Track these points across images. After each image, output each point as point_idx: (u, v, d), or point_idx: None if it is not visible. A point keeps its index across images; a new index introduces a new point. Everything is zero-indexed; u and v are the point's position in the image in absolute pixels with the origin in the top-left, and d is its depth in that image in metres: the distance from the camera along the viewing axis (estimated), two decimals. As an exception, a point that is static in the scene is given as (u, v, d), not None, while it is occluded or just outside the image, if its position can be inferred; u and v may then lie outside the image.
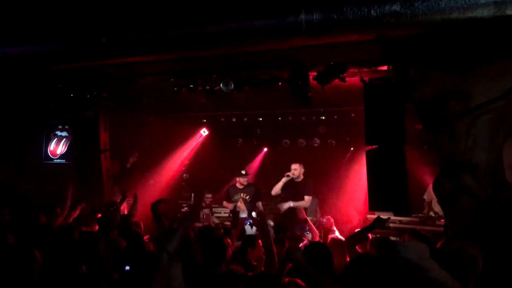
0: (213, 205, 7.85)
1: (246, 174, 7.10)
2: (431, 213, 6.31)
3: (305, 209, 6.28)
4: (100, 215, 4.83)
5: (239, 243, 4.49)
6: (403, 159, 3.98)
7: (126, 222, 4.93)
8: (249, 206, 6.89)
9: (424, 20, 3.16)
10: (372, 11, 3.22)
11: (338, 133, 7.99)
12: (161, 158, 8.37)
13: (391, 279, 2.45)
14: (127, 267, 3.13)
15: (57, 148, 7.35)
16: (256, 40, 3.70)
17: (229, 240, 4.35)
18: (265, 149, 8.89)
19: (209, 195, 7.85)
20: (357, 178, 7.44)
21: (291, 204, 6.21)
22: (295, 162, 6.67)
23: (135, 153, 7.71)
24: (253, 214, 6.07)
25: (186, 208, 8.09)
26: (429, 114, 3.87)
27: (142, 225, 5.11)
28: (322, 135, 8.04)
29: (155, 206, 4.98)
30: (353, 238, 3.81)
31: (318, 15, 3.32)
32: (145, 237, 4.50)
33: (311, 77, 5.06)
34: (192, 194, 8.53)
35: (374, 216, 5.06)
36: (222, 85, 5.41)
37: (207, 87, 5.58)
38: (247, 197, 6.99)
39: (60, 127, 7.41)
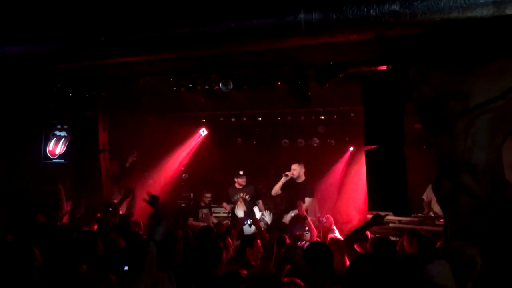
0: (212, 205, 7.85)
1: (244, 174, 7.10)
2: (431, 213, 6.31)
3: (305, 210, 6.27)
4: (99, 215, 4.83)
5: (238, 242, 4.49)
6: (403, 159, 3.97)
7: (125, 222, 4.93)
8: (249, 205, 6.89)
9: (423, 20, 3.16)
10: (371, 11, 3.22)
11: (337, 133, 7.99)
12: (160, 158, 8.37)
13: (392, 278, 2.45)
14: (126, 267, 3.13)
15: (56, 148, 7.34)
16: (255, 40, 3.70)
17: (229, 240, 4.34)
18: None
19: (208, 195, 7.85)
20: (356, 178, 7.44)
21: (292, 214, 6.21)
22: (295, 162, 6.67)
23: (134, 153, 7.70)
24: (255, 208, 6.05)
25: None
26: (429, 113, 3.87)
27: (142, 224, 5.10)
28: (322, 135, 8.04)
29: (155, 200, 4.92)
30: (351, 237, 3.81)
31: (317, 15, 3.32)
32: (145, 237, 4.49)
33: (310, 76, 5.06)
34: (191, 194, 8.53)
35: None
36: (221, 84, 5.40)
37: (206, 87, 5.58)
38: (247, 197, 6.99)
39: (59, 126, 7.39)
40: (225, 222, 6.84)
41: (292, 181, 6.59)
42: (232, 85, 5.39)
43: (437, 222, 5.73)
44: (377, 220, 3.94)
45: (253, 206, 6.77)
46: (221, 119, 8.34)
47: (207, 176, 8.62)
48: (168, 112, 8.01)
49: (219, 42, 3.78)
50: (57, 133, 7.37)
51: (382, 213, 4.04)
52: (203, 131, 8.85)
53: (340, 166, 8.25)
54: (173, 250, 2.98)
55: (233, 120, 8.18)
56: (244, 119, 8.17)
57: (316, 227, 5.82)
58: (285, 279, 2.93)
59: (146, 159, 8.05)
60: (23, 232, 3.79)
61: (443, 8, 3.08)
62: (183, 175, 9.07)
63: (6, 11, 4.28)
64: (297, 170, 6.54)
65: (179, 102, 6.94)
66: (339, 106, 7.31)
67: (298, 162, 6.65)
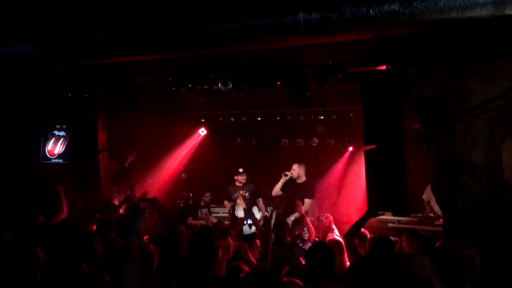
0: (211, 205, 7.84)
1: (244, 172, 7.11)
2: (430, 213, 6.32)
3: (305, 211, 6.28)
4: (98, 215, 4.82)
5: (237, 243, 4.48)
6: (402, 159, 3.97)
7: (125, 222, 4.91)
8: (249, 203, 6.91)
9: (422, 20, 3.16)
10: (370, 11, 3.22)
11: (336, 133, 7.99)
12: (160, 157, 8.36)
13: (392, 279, 2.44)
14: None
15: (55, 147, 7.33)
16: (255, 39, 3.69)
17: (230, 240, 4.33)
18: None
19: (207, 194, 7.85)
20: (356, 178, 7.45)
21: (292, 218, 6.21)
22: (294, 162, 6.66)
23: (133, 153, 7.69)
24: (254, 209, 6.04)
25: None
26: (428, 113, 3.86)
27: None
28: (321, 134, 8.04)
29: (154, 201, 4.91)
30: (350, 233, 3.80)
31: (316, 14, 3.31)
32: (145, 238, 4.48)
33: (309, 76, 5.05)
34: (191, 194, 8.52)
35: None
36: (221, 84, 5.40)
37: (206, 87, 5.57)
38: (246, 194, 7.01)
39: (58, 126, 7.38)
40: (225, 222, 6.84)
41: (292, 182, 6.58)
42: (231, 85, 5.39)
43: (436, 222, 5.74)
44: (372, 213, 3.93)
45: (253, 204, 6.79)
46: (220, 119, 8.33)
47: (206, 176, 8.62)
48: (167, 112, 8.01)
49: (218, 42, 3.78)
50: (56, 133, 7.36)
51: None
52: (202, 131, 8.85)
53: (339, 166, 8.26)
54: (176, 248, 3.00)
55: (232, 120, 8.17)
56: (244, 119, 8.17)
57: (316, 227, 5.82)
58: (285, 278, 2.93)
59: (145, 159, 8.04)
60: (23, 232, 3.79)
61: (443, 8, 3.08)
62: (182, 175, 9.07)
63: (5, 11, 4.27)
64: (296, 170, 6.53)
65: (178, 102, 6.94)
66: (339, 106, 7.31)
67: (299, 162, 6.64)
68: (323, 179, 8.06)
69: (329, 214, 5.70)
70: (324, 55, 4.68)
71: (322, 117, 7.74)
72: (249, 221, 5.34)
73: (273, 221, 3.93)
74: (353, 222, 4.02)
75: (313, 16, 3.32)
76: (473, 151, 3.47)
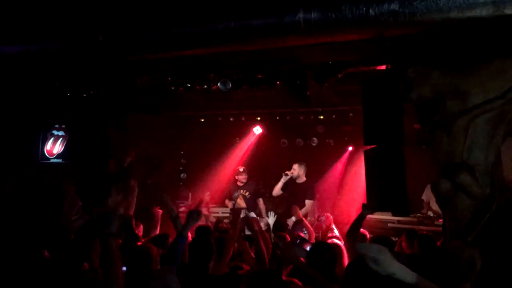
0: (210, 205, 7.83)
1: (244, 171, 7.11)
2: (430, 213, 6.31)
3: (306, 212, 6.29)
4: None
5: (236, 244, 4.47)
6: (402, 158, 3.96)
7: (125, 222, 4.89)
8: (249, 203, 6.92)
9: (422, 19, 3.16)
10: (370, 10, 3.21)
11: (336, 132, 7.98)
12: (159, 157, 8.34)
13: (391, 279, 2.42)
14: (124, 268, 3.12)
15: (54, 147, 7.32)
16: (254, 39, 3.69)
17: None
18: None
19: (207, 194, 7.85)
20: (355, 178, 7.44)
21: (293, 219, 6.21)
22: (294, 162, 6.66)
23: (132, 153, 7.67)
24: (252, 214, 6.03)
25: (184, 207, 8.07)
26: (428, 113, 3.86)
27: (142, 227, 5.08)
28: (320, 134, 8.03)
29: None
30: (350, 236, 3.79)
31: (316, 14, 3.31)
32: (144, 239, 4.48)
33: (309, 76, 5.04)
34: (190, 194, 8.51)
35: (373, 216, 5.04)
36: (220, 84, 5.39)
37: (205, 86, 5.56)
38: (247, 194, 7.01)
39: (56, 126, 7.37)
40: (225, 221, 6.83)
41: (292, 182, 6.57)
42: (230, 85, 5.38)
43: (436, 222, 5.73)
44: (367, 210, 3.91)
45: (254, 204, 6.81)
46: (220, 118, 8.32)
47: (205, 175, 8.61)
48: (166, 112, 7.99)
49: (218, 41, 3.77)
50: (55, 132, 7.35)
51: (381, 216, 4.02)
52: (202, 131, 8.83)
53: (339, 166, 8.24)
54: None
55: (231, 119, 8.16)
56: (243, 118, 8.16)
57: (315, 227, 5.81)
58: (284, 278, 2.92)
59: (144, 159, 8.02)
60: (23, 232, 3.79)
61: (442, 7, 3.08)
62: (182, 175, 9.05)
63: (3, 10, 4.26)
64: (297, 170, 6.53)
65: (178, 101, 6.93)
66: (338, 106, 7.30)
67: (300, 162, 6.64)
68: (322, 179, 8.04)
69: (329, 214, 5.69)
70: (323, 55, 4.67)
71: (321, 117, 7.73)
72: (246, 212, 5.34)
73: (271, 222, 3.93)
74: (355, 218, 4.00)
75: (312, 16, 3.32)
76: (472, 152, 3.47)
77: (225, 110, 8.04)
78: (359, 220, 3.84)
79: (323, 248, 3.09)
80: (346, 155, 8.18)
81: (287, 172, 6.53)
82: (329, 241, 4.76)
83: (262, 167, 8.43)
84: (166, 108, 7.67)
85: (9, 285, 2.64)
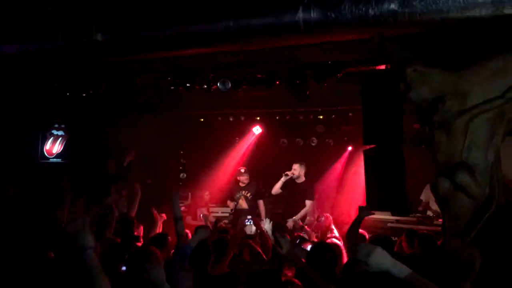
0: (210, 205, 7.84)
1: (246, 172, 7.12)
2: (429, 213, 6.31)
3: (306, 213, 6.30)
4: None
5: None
6: (401, 158, 3.97)
7: (125, 223, 4.89)
8: (251, 203, 6.93)
9: (422, 19, 3.16)
10: (370, 10, 3.21)
11: (336, 132, 7.98)
12: (158, 157, 8.34)
13: (387, 278, 2.42)
14: (124, 267, 3.12)
15: (53, 147, 7.31)
16: (253, 39, 3.69)
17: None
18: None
19: (206, 193, 7.85)
20: (355, 178, 7.44)
21: (293, 219, 6.22)
22: (294, 161, 6.67)
23: (132, 152, 7.67)
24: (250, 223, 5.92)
25: (183, 207, 8.08)
26: (427, 113, 3.86)
27: (142, 228, 5.08)
28: (320, 134, 8.03)
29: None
30: (349, 237, 3.79)
31: (316, 14, 3.31)
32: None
33: (308, 76, 5.05)
34: (190, 194, 8.51)
35: (372, 216, 5.03)
36: (220, 83, 5.39)
37: (205, 86, 5.56)
38: (248, 195, 7.02)
39: (56, 126, 7.36)
40: (223, 221, 6.84)
41: (292, 182, 6.58)
42: (230, 84, 5.38)
43: (435, 222, 5.73)
44: (364, 212, 3.93)
45: (255, 205, 6.83)
46: (219, 118, 8.32)
47: (205, 175, 8.61)
48: (166, 111, 7.99)
49: (217, 41, 3.77)
50: (54, 132, 7.34)
51: (381, 216, 4.02)
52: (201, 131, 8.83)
53: (338, 165, 8.24)
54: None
55: (231, 119, 8.16)
56: (242, 118, 8.16)
57: (315, 227, 5.82)
58: (283, 278, 2.92)
59: (144, 159, 8.02)
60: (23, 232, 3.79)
61: (442, 7, 3.08)
62: (181, 174, 9.05)
63: (3, 10, 4.25)
64: (297, 170, 6.53)
65: (177, 101, 6.93)
66: (338, 105, 7.30)
67: (300, 162, 6.64)
68: (322, 179, 8.04)
69: (328, 215, 5.69)
70: (323, 55, 4.67)
71: (321, 117, 7.72)
72: (251, 221, 5.34)
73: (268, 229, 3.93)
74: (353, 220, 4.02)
75: (312, 15, 3.32)
76: (472, 151, 3.47)
77: (224, 110, 8.04)
78: (357, 223, 3.86)
79: (323, 248, 3.08)
80: (345, 155, 8.18)
81: (287, 172, 6.54)
82: (328, 241, 4.77)
83: (262, 167, 8.43)
84: (166, 108, 7.68)
85: (13, 286, 2.64)
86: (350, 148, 8.10)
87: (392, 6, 3.17)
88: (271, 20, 3.48)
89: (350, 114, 7.28)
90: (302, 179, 6.59)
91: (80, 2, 4.15)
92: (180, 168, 9.04)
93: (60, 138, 7.32)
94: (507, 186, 3.51)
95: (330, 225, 5.59)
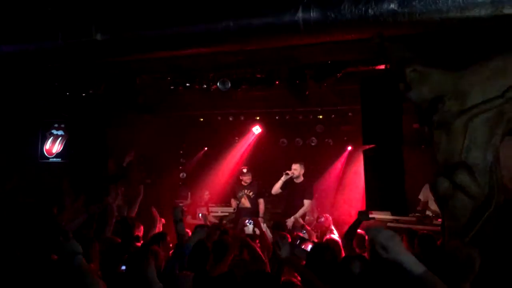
0: (210, 204, 7.84)
1: (248, 172, 7.14)
2: (429, 213, 6.31)
3: (304, 212, 6.30)
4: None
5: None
6: (401, 158, 3.97)
7: (125, 223, 4.89)
8: (253, 202, 6.96)
9: (421, 19, 3.16)
10: (369, 10, 3.21)
11: (335, 132, 7.99)
12: (158, 157, 8.34)
13: (382, 279, 2.41)
14: (123, 267, 3.12)
15: (53, 147, 7.31)
16: (253, 38, 3.69)
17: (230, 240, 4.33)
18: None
19: (206, 193, 7.86)
20: (354, 178, 7.44)
21: (293, 219, 6.22)
22: (294, 161, 6.68)
23: (132, 152, 7.67)
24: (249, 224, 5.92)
25: (184, 207, 8.08)
26: (426, 113, 3.86)
27: (142, 227, 5.08)
28: (319, 134, 8.04)
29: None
30: (347, 237, 3.80)
31: (315, 14, 3.31)
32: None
33: (308, 75, 5.05)
34: (189, 193, 8.51)
35: (372, 216, 5.04)
36: (219, 83, 5.39)
37: (204, 86, 5.56)
38: (251, 194, 7.05)
39: (56, 125, 7.36)
40: (223, 222, 6.85)
41: (291, 181, 6.59)
42: (230, 84, 5.38)
43: (434, 222, 5.73)
44: (364, 216, 3.94)
45: (257, 204, 6.85)
46: (219, 118, 8.32)
47: (205, 175, 8.61)
48: (166, 111, 7.99)
49: (217, 40, 3.77)
50: (54, 132, 7.34)
51: (381, 216, 4.03)
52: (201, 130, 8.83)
53: (338, 165, 8.25)
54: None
55: (230, 119, 8.16)
56: (242, 118, 8.16)
57: (314, 227, 5.82)
58: (282, 278, 2.92)
59: (143, 158, 8.02)
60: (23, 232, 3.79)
61: (441, 7, 3.08)
62: (181, 174, 9.05)
63: (2, 10, 4.25)
64: (297, 170, 6.55)
65: (177, 101, 6.93)
66: (337, 105, 7.30)
67: (300, 162, 6.66)
68: (321, 178, 8.05)
69: (328, 215, 5.69)
70: (323, 55, 4.67)
71: (320, 117, 7.73)
72: (251, 221, 5.34)
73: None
74: (352, 222, 4.03)
75: (312, 15, 3.32)
76: (471, 151, 3.47)
77: (224, 110, 8.04)
78: (355, 225, 3.87)
79: (324, 249, 3.08)
80: (345, 154, 8.19)
81: (287, 171, 6.55)
82: (328, 237, 4.78)
83: (261, 167, 8.43)
84: (166, 108, 7.68)
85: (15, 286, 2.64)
86: (349, 148, 8.11)
87: (392, 6, 3.17)
88: (271, 20, 3.48)
89: (350, 114, 7.28)
90: (301, 179, 6.61)
91: (79, 2, 4.15)
92: (180, 167, 9.04)
93: (60, 138, 7.32)
94: (506, 186, 3.51)
95: (329, 225, 5.59)
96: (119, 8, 3.96)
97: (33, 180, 6.76)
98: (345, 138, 8.03)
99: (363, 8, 3.22)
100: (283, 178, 6.57)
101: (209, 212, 7.64)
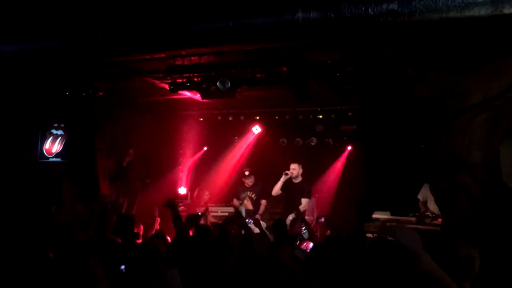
0: (210, 204, 7.84)
1: (250, 174, 7.15)
2: (427, 213, 6.31)
3: (302, 211, 6.30)
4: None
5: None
6: (401, 158, 3.97)
7: (126, 224, 4.90)
8: (255, 204, 6.97)
9: (421, 19, 3.15)
10: (369, 10, 3.21)
11: (335, 132, 7.99)
12: (158, 156, 8.34)
13: (360, 267, 2.42)
14: (123, 267, 3.12)
15: (53, 146, 7.31)
16: (253, 38, 3.68)
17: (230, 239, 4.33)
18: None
19: (206, 193, 7.86)
20: (354, 177, 7.44)
21: (290, 218, 6.23)
22: (293, 161, 6.68)
23: (132, 152, 7.68)
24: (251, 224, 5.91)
25: (183, 207, 8.07)
26: (426, 113, 3.87)
27: (142, 226, 5.09)
28: (319, 134, 8.04)
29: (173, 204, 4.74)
30: (353, 239, 3.79)
31: (315, 13, 3.30)
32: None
33: (308, 75, 5.05)
34: (189, 193, 8.51)
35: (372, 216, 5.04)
36: (219, 83, 5.38)
37: (204, 86, 5.56)
38: (253, 195, 7.06)
39: (55, 125, 7.36)
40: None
41: (289, 182, 6.61)
42: (229, 84, 5.37)
43: (434, 222, 5.73)
44: (366, 218, 3.95)
45: (259, 206, 6.86)
46: (219, 117, 8.32)
47: (204, 174, 8.61)
48: (165, 111, 7.99)
49: (217, 40, 3.76)
50: (54, 131, 7.34)
51: (381, 215, 4.03)
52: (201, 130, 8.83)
53: (338, 165, 8.25)
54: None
55: (230, 119, 8.16)
56: (242, 118, 8.16)
57: (313, 227, 5.82)
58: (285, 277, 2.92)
59: (143, 158, 8.02)
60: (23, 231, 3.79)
61: (441, 7, 3.07)
62: (181, 174, 9.05)
63: (2, 9, 4.25)
64: (296, 170, 6.57)
65: (176, 100, 6.93)
66: (337, 105, 7.30)
67: (298, 162, 6.67)
68: (321, 178, 8.05)
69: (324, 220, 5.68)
70: (322, 54, 4.68)
71: (320, 116, 7.73)
72: (251, 222, 5.34)
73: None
74: (351, 222, 4.05)
75: (311, 15, 3.32)
76: (471, 151, 3.48)
77: (224, 110, 8.04)
78: (359, 227, 3.85)
79: (324, 249, 3.09)
80: (345, 154, 8.19)
81: (287, 171, 6.56)
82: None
83: (261, 166, 8.43)
84: (165, 107, 7.68)
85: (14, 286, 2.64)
86: (349, 147, 8.11)
87: (392, 6, 3.16)
88: (270, 19, 3.47)
89: (350, 113, 7.28)
90: (300, 179, 6.63)
91: (79, 1, 4.14)
92: (179, 167, 9.04)
93: (60, 138, 7.32)
94: (506, 186, 3.51)
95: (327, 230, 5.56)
96: (119, 8, 3.96)
97: (33, 180, 6.77)
98: (345, 138, 8.03)
99: (363, 8, 3.21)
100: (282, 179, 6.58)
101: (209, 212, 7.63)
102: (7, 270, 2.67)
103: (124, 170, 7.55)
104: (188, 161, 8.90)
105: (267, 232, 4.85)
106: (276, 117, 8.03)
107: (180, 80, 5.66)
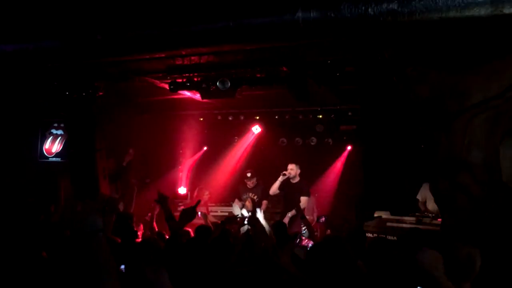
0: (209, 204, 7.84)
1: (252, 176, 7.15)
2: (426, 213, 6.31)
3: (302, 209, 6.30)
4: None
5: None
6: (400, 158, 3.98)
7: (125, 221, 4.90)
8: (257, 205, 6.96)
9: (421, 19, 3.15)
10: (369, 9, 3.21)
11: (335, 132, 7.98)
12: (158, 156, 8.34)
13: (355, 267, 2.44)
14: (122, 266, 3.12)
15: (53, 146, 7.31)
16: (253, 38, 3.68)
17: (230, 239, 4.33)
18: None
19: (206, 192, 7.85)
20: (354, 177, 7.45)
21: (289, 215, 6.24)
22: (291, 162, 6.70)
23: (131, 152, 7.67)
24: (243, 211, 5.97)
25: (182, 207, 8.07)
26: (426, 113, 3.87)
27: (142, 225, 5.09)
28: (319, 134, 8.04)
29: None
30: (353, 240, 3.79)
31: (315, 13, 3.30)
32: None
33: (308, 75, 5.05)
34: (189, 193, 8.51)
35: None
36: (219, 83, 5.38)
37: (204, 85, 5.56)
38: (255, 197, 7.06)
39: (55, 125, 7.36)
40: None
41: (287, 181, 6.63)
42: (229, 84, 5.37)
43: (434, 222, 5.73)
44: (366, 216, 3.95)
45: (260, 207, 6.86)
46: (219, 117, 8.32)
47: (204, 174, 8.61)
48: (165, 111, 7.99)
49: (217, 40, 3.76)
50: (54, 131, 7.34)
51: (380, 215, 4.04)
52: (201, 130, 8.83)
53: (337, 165, 8.26)
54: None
55: (230, 119, 8.16)
56: (242, 117, 8.16)
57: (313, 226, 5.83)
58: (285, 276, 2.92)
59: (143, 158, 8.02)
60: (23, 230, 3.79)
61: (441, 7, 3.08)
62: (180, 174, 9.05)
63: (2, 9, 4.25)
64: (294, 170, 6.59)
65: (176, 100, 6.93)
66: (337, 105, 7.31)
67: (295, 162, 6.69)
68: (321, 178, 8.06)
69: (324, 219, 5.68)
70: (322, 54, 4.67)
71: (320, 116, 7.73)
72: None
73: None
74: (351, 222, 4.06)
75: (311, 15, 3.31)
76: (471, 151, 3.47)
77: (224, 109, 8.04)
78: (359, 227, 3.86)
79: (324, 248, 3.08)
80: (344, 154, 8.19)
81: (285, 172, 6.58)
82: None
83: (261, 166, 8.44)
84: (165, 107, 7.68)
85: (9, 285, 2.63)
86: (349, 147, 8.11)
87: (392, 5, 3.16)
88: (270, 19, 3.47)
89: (350, 113, 7.29)
90: (298, 179, 6.66)
91: (79, 1, 4.14)
92: (179, 167, 9.05)
93: (60, 137, 7.32)
94: (506, 185, 3.51)
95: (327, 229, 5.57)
96: (119, 8, 3.95)
97: (33, 180, 6.76)
98: (345, 138, 8.03)
99: (363, 8, 3.21)
100: (280, 179, 6.61)
101: (209, 212, 7.64)
102: (7, 270, 2.67)
103: (124, 170, 7.55)
104: (188, 161, 8.91)
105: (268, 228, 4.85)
106: (276, 117, 8.03)
107: (180, 80, 5.66)
